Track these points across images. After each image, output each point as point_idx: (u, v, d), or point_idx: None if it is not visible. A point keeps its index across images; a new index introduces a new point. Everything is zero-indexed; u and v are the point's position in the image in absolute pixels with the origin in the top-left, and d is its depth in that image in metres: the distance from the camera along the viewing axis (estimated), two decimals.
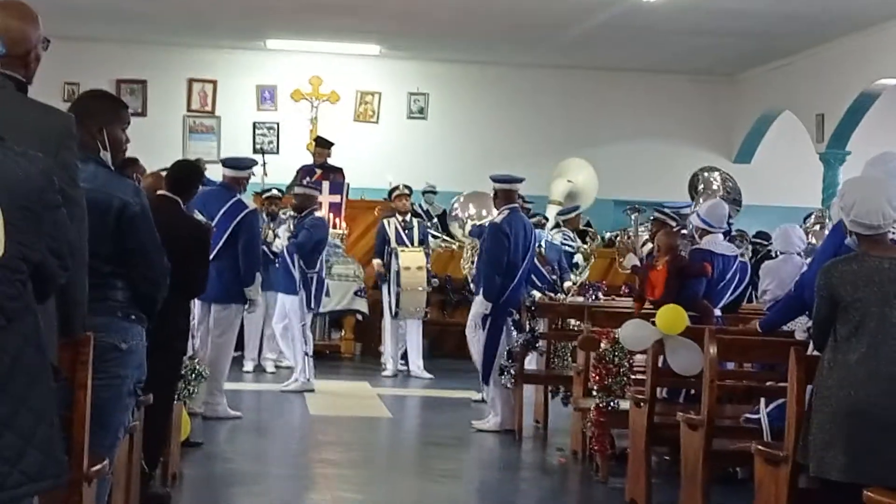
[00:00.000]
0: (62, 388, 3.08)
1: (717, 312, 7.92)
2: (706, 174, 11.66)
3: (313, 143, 14.78)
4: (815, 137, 14.99)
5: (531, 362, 9.83)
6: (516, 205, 9.49)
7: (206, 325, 9.22)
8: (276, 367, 12.32)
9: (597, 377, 7.29)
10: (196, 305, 8.80)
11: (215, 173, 10.60)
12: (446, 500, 7.50)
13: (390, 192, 13.16)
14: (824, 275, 4.72)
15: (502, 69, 16.80)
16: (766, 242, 11.33)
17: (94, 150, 4.29)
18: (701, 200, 10.63)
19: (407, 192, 12.91)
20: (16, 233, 2.68)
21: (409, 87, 16.92)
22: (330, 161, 14.34)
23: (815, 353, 4.94)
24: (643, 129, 17.09)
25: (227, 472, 7.66)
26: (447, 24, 14.38)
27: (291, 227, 11.23)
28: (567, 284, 10.95)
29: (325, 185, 13.67)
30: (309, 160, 14.58)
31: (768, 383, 6.36)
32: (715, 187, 11.29)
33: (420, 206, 14.45)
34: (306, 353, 10.99)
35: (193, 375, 7.27)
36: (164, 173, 7.14)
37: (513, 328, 9.19)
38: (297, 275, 10.89)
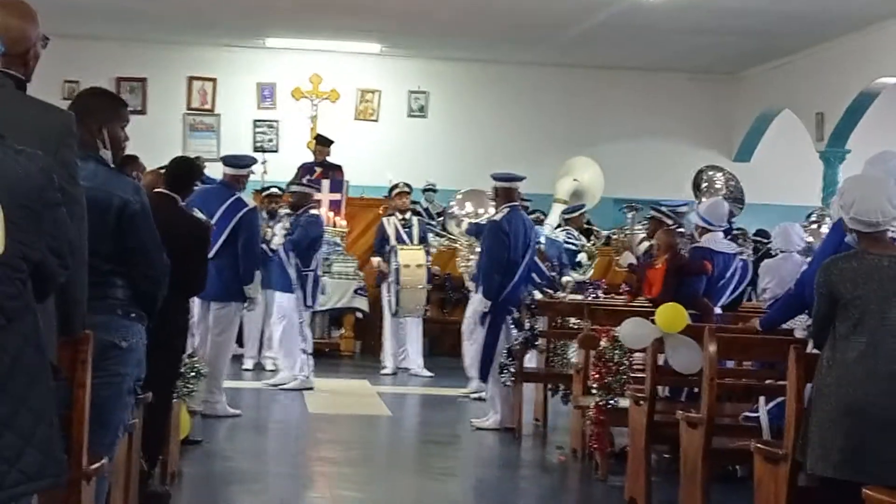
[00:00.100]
0: (61, 387, 3.08)
1: (718, 311, 7.92)
2: (710, 173, 11.64)
3: (314, 142, 14.78)
4: (814, 136, 14.99)
5: (531, 360, 9.83)
6: (517, 203, 9.49)
7: (205, 323, 9.22)
8: (276, 365, 12.32)
9: (596, 375, 7.29)
10: (196, 304, 8.80)
11: (215, 171, 10.60)
12: (446, 498, 7.50)
13: (390, 191, 13.17)
14: (824, 272, 4.72)
15: (503, 67, 16.80)
16: (766, 241, 11.32)
17: (94, 149, 4.29)
18: (703, 199, 10.61)
19: (407, 190, 12.91)
20: (16, 231, 2.67)
21: (409, 85, 16.91)
22: (330, 159, 14.34)
23: (815, 351, 4.94)
24: (643, 127, 17.08)
25: (226, 471, 7.66)
26: (447, 22, 14.38)
27: (287, 224, 11.24)
28: (566, 279, 10.95)
29: (326, 183, 13.67)
30: (309, 158, 14.58)
31: (767, 382, 6.35)
32: (718, 186, 11.27)
33: (420, 204, 14.45)
34: (304, 351, 10.99)
35: (193, 374, 7.27)
36: (163, 171, 7.14)
37: (513, 326, 9.19)
38: (292, 273, 10.89)
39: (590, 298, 9.72)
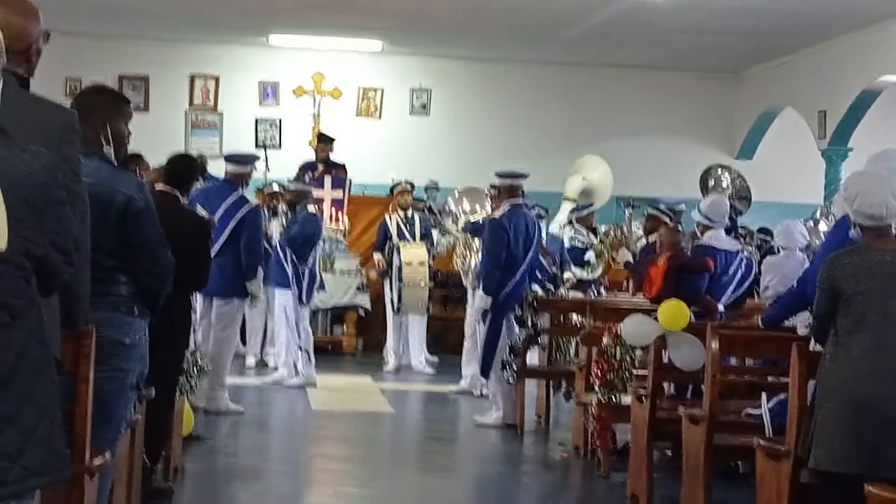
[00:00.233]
0: (64, 382, 3.09)
1: (721, 308, 7.92)
2: (717, 171, 11.63)
3: (316, 139, 14.78)
4: (816, 134, 14.99)
5: (533, 357, 9.84)
6: (519, 200, 9.50)
7: (208, 319, 9.23)
8: (276, 362, 12.33)
9: (599, 372, 7.29)
10: (198, 300, 8.81)
11: (217, 169, 10.61)
12: (448, 495, 7.50)
13: (392, 188, 13.18)
14: (826, 267, 4.72)
15: (505, 66, 16.79)
16: (769, 239, 11.32)
17: (97, 145, 4.30)
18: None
19: (408, 188, 12.93)
20: (19, 228, 2.68)
21: (411, 83, 16.91)
22: (332, 157, 14.34)
23: (817, 347, 4.94)
24: (646, 125, 17.07)
25: (228, 467, 7.67)
26: (449, 20, 14.37)
27: (284, 221, 11.28)
28: (567, 275, 10.96)
29: (328, 180, 13.70)
30: (311, 156, 14.58)
31: (769, 378, 6.35)
32: (725, 185, 11.26)
33: (426, 202, 14.44)
34: (300, 348, 11.01)
35: (195, 370, 7.28)
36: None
37: (515, 323, 9.20)
38: (289, 269, 10.92)
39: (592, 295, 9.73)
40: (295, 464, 8.08)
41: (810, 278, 5.35)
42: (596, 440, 7.51)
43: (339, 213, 13.46)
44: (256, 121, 16.54)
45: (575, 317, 9.32)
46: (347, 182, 13.97)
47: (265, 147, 15.33)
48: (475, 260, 10.84)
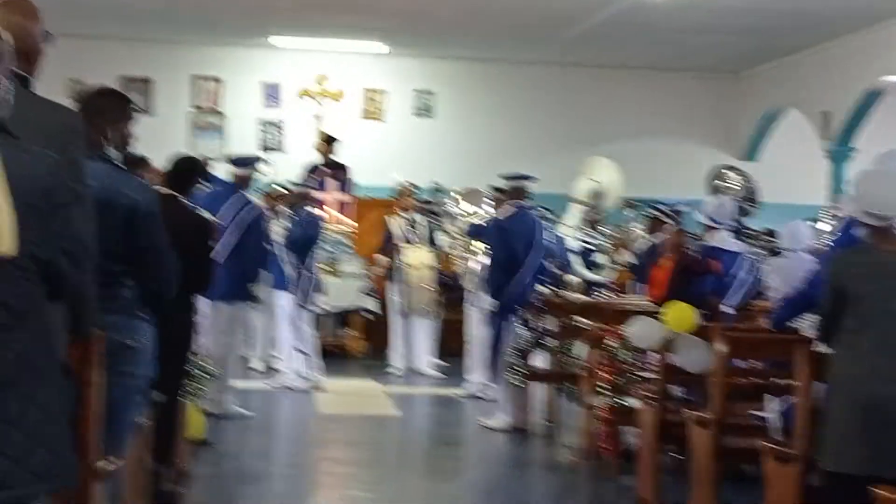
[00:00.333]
0: (71, 387, 3.07)
1: (728, 310, 7.89)
2: (726, 172, 11.60)
3: (321, 140, 14.77)
4: (820, 134, 14.96)
5: (539, 360, 9.80)
6: (522, 202, 9.48)
7: (212, 322, 9.21)
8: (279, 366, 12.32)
9: (605, 375, 7.27)
10: (203, 303, 8.80)
11: (220, 171, 10.60)
12: (455, 498, 7.49)
13: (396, 191, 13.17)
14: (832, 265, 4.71)
15: (508, 67, 16.78)
16: (775, 240, 11.28)
17: (101, 148, 4.29)
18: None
19: (412, 190, 12.91)
20: (25, 231, 2.66)
21: (415, 85, 16.90)
22: (336, 158, 14.34)
23: (824, 349, 4.92)
24: (648, 126, 17.05)
25: (235, 470, 7.66)
26: (452, 21, 14.36)
27: (286, 223, 11.31)
28: (569, 278, 10.96)
29: (332, 182, 13.69)
30: (314, 158, 14.57)
31: (772, 379, 6.33)
32: (733, 186, 11.22)
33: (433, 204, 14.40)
34: (301, 351, 11.03)
35: (201, 373, 7.26)
36: None
37: (521, 326, 9.18)
38: (289, 271, 10.93)
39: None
40: (301, 467, 8.07)
41: (817, 279, 5.34)
42: (603, 443, 7.48)
43: (344, 215, 13.45)
44: (259, 123, 16.52)
45: (582, 319, 9.28)
46: (351, 184, 13.97)
47: (268, 149, 15.34)
48: (475, 263, 10.83)
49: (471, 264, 10.98)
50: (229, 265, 8.97)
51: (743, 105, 17.29)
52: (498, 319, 9.28)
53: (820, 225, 10.03)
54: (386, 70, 16.70)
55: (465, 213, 11.55)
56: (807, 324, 6.07)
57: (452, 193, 12.27)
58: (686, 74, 17.07)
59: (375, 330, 13.51)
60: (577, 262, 11.42)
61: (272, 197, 12.36)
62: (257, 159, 10.24)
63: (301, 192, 11.47)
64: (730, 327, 6.70)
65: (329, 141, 14.41)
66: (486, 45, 15.75)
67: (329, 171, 14.04)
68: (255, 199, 10.40)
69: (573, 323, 9.24)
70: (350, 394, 11.27)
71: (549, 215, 12.01)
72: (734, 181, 11.16)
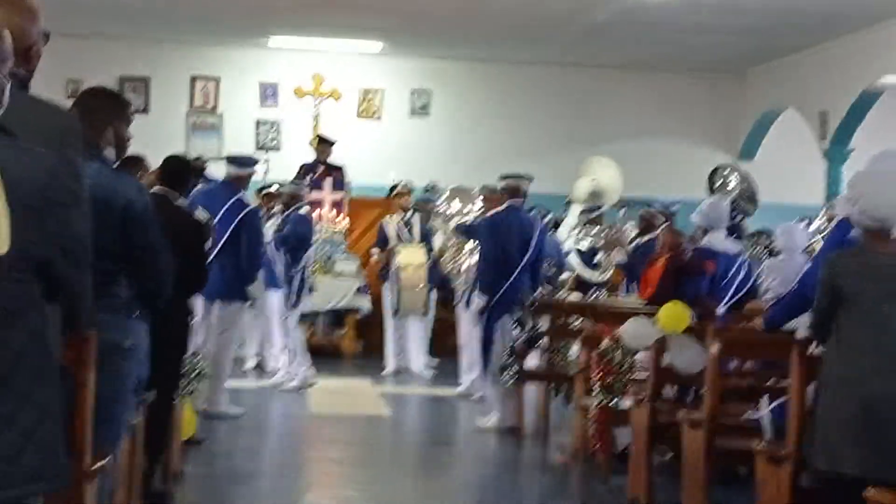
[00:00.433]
0: (65, 386, 3.07)
1: (722, 310, 7.90)
2: (725, 171, 11.59)
3: (316, 141, 14.78)
4: (818, 135, 14.97)
5: (533, 360, 9.81)
6: (517, 201, 9.48)
7: (208, 322, 9.22)
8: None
9: (598, 375, 7.27)
10: (199, 302, 8.81)
11: (218, 171, 10.60)
12: (447, 498, 7.49)
13: (390, 190, 13.17)
14: (827, 267, 4.71)
15: (506, 67, 16.77)
16: (770, 240, 11.28)
17: (98, 148, 4.29)
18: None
19: (407, 190, 12.91)
20: (21, 230, 2.67)
21: (412, 84, 16.89)
22: (332, 158, 14.35)
23: (817, 350, 4.93)
24: (647, 126, 17.05)
25: (228, 470, 7.66)
26: (450, 20, 14.35)
27: (278, 222, 11.33)
28: (564, 275, 10.96)
29: (328, 182, 13.69)
30: (311, 157, 14.57)
31: (770, 381, 6.34)
32: (732, 186, 11.22)
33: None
34: (290, 350, 11.06)
35: (196, 373, 7.27)
36: None
37: (513, 325, 9.18)
38: (280, 270, 10.96)
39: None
40: (294, 467, 8.07)
41: (810, 279, 5.34)
42: (596, 444, 7.49)
43: (340, 214, 13.45)
44: (257, 122, 16.52)
45: (576, 319, 9.30)
46: (347, 183, 13.97)
47: (265, 149, 15.34)
48: (467, 262, 10.84)
49: (462, 264, 10.99)
50: (224, 265, 8.98)
51: (741, 105, 17.29)
52: (490, 319, 9.28)
53: (814, 226, 10.06)
54: (383, 69, 16.70)
55: (455, 213, 11.56)
56: (801, 324, 6.09)
57: (442, 192, 12.27)
58: (685, 74, 17.07)
59: (369, 329, 13.52)
60: (578, 263, 11.42)
61: (266, 197, 12.36)
62: (255, 160, 10.24)
63: (292, 193, 11.48)
64: (723, 328, 6.71)
65: (326, 142, 14.42)
66: (485, 44, 15.75)
67: (325, 171, 14.04)
68: (252, 199, 10.42)
69: (567, 323, 9.27)
70: (343, 393, 11.27)
71: (549, 216, 12.05)
72: (733, 181, 11.15)
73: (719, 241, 8.18)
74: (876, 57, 13.56)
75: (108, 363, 4.08)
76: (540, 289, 9.68)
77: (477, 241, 9.94)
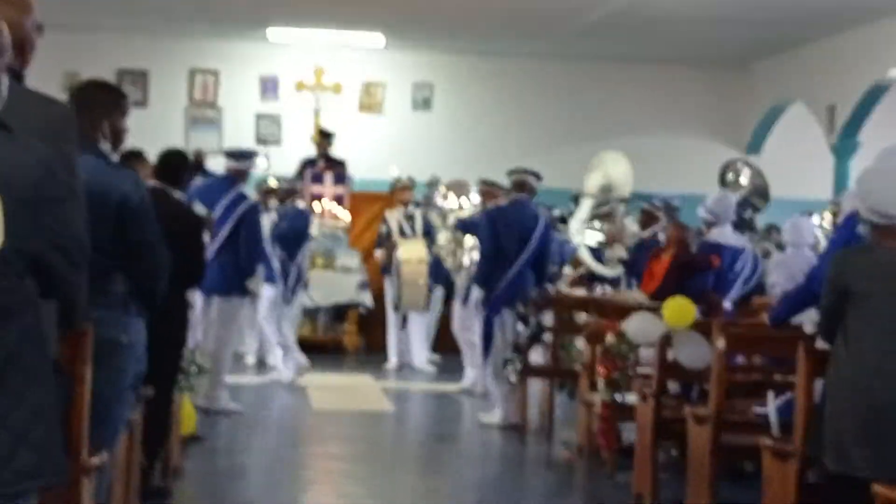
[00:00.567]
0: (62, 384, 3.03)
1: (728, 305, 7.85)
2: (738, 165, 11.53)
3: (318, 135, 14.74)
4: (826, 129, 14.90)
5: (536, 356, 9.76)
6: (520, 195, 9.43)
7: (207, 317, 9.17)
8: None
9: (603, 371, 7.22)
10: (198, 298, 8.76)
11: (217, 165, 10.55)
12: (450, 494, 7.44)
13: (392, 185, 13.12)
14: (835, 264, 4.65)
15: (508, 60, 16.70)
16: (777, 235, 11.23)
17: (94, 141, 4.25)
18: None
19: (409, 184, 12.86)
20: (13, 225, 2.62)
21: (414, 78, 16.84)
22: (334, 152, 14.30)
23: (824, 345, 4.88)
24: (653, 119, 16.98)
25: (227, 466, 7.62)
26: (453, 13, 14.30)
27: (275, 217, 11.30)
28: (571, 272, 10.91)
29: (329, 176, 13.65)
30: (312, 151, 14.53)
31: (776, 377, 6.29)
32: (743, 180, 11.15)
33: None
34: (280, 344, 11.05)
35: (194, 368, 7.21)
36: None
37: (514, 320, 9.13)
38: (276, 265, 10.93)
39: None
40: (295, 463, 8.02)
41: (817, 275, 5.29)
42: (600, 440, 7.44)
43: (341, 209, 13.40)
44: (257, 116, 16.47)
45: (581, 315, 9.24)
46: (348, 178, 13.93)
47: (266, 142, 15.31)
48: (467, 257, 10.79)
49: (461, 259, 10.94)
50: (224, 259, 8.94)
51: (748, 98, 17.21)
52: (489, 314, 9.22)
53: (822, 220, 10.03)
54: (384, 63, 16.64)
55: (453, 208, 11.51)
56: (807, 320, 6.04)
57: (439, 186, 12.22)
58: (692, 68, 16.99)
59: (371, 325, 13.45)
60: (589, 257, 11.35)
61: (266, 191, 12.31)
62: (255, 154, 10.19)
63: (289, 188, 11.47)
64: (730, 323, 6.65)
65: (326, 136, 14.38)
66: (487, 38, 15.68)
67: (327, 165, 13.99)
68: (252, 193, 10.37)
69: (571, 318, 9.22)
70: (345, 389, 11.23)
71: (555, 212, 12.00)
72: (746, 176, 11.08)
73: (725, 235, 8.13)
74: (884, 50, 13.49)
75: (106, 359, 4.04)
76: (547, 285, 9.59)
77: (476, 236, 9.90)
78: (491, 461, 8.43)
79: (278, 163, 14.17)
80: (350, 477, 7.58)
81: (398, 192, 12.85)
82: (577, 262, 11.23)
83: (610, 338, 7.19)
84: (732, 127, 17.26)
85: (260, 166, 11.95)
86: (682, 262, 7.94)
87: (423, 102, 16.82)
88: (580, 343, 8.58)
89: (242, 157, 9.78)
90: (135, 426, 5.26)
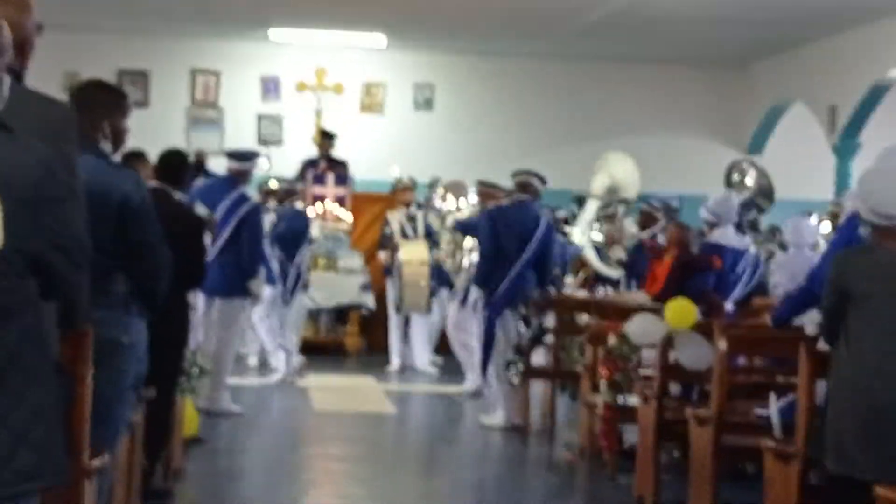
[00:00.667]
0: (63, 384, 3.02)
1: (730, 306, 7.84)
2: (743, 166, 11.53)
3: (318, 136, 14.73)
4: (826, 129, 14.89)
5: (538, 357, 9.74)
6: (522, 196, 9.41)
7: (209, 318, 9.16)
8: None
9: (605, 372, 7.21)
10: (200, 299, 8.75)
11: (219, 165, 10.54)
12: (451, 496, 7.43)
13: (394, 186, 13.11)
14: (836, 265, 4.64)
15: (509, 60, 16.70)
16: (778, 235, 11.22)
17: (95, 141, 4.25)
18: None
19: (410, 184, 12.85)
20: (13, 225, 2.62)
21: (415, 78, 16.84)
22: (335, 153, 14.30)
23: (826, 347, 4.87)
24: (652, 119, 16.97)
25: (229, 468, 7.61)
26: (454, 13, 14.30)
27: (274, 217, 11.31)
28: (568, 278, 10.91)
29: (330, 177, 13.64)
30: (313, 152, 14.53)
31: (778, 378, 6.28)
32: (749, 182, 11.16)
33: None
34: (280, 346, 11.04)
35: (196, 370, 7.20)
36: None
37: (516, 322, 9.11)
38: (275, 266, 10.93)
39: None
40: (297, 465, 8.01)
41: (818, 275, 5.28)
42: (602, 441, 7.43)
43: (343, 210, 13.39)
44: (258, 117, 16.47)
45: (582, 316, 9.23)
46: (350, 178, 13.92)
47: (267, 143, 15.30)
48: (467, 259, 10.77)
49: (460, 261, 10.94)
50: (225, 261, 8.93)
51: (749, 98, 17.20)
52: (489, 315, 9.20)
53: (823, 221, 10.02)
54: (385, 63, 16.64)
55: (451, 209, 11.50)
56: (809, 321, 6.03)
57: (438, 188, 12.21)
58: (693, 68, 16.98)
59: (373, 326, 13.44)
60: (594, 258, 11.35)
61: (266, 192, 12.31)
62: (256, 154, 10.18)
63: (288, 188, 11.47)
64: (731, 324, 6.64)
65: (328, 136, 14.37)
66: (488, 38, 15.67)
67: (328, 166, 13.99)
68: (254, 194, 10.36)
69: (572, 320, 9.21)
70: (346, 391, 11.22)
71: (560, 213, 11.99)
72: (751, 177, 11.08)
73: (727, 236, 8.12)
74: (884, 50, 13.48)
75: (107, 360, 4.03)
76: (549, 287, 9.57)
77: (475, 237, 9.90)
78: (492, 462, 8.42)
79: (280, 163, 14.17)
80: (351, 478, 7.57)
81: (399, 193, 12.84)
82: (581, 264, 11.22)
83: (611, 339, 7.18)
84: (732, 127, 17.25)
85: (261, 167, 11.95)
86: (683, 263, 7.93)
87: (424, 103, 16.82)
88: (582, 344, 8.57)
89: (244, 157, 9.77)
90: (136, 427, 5.25)
